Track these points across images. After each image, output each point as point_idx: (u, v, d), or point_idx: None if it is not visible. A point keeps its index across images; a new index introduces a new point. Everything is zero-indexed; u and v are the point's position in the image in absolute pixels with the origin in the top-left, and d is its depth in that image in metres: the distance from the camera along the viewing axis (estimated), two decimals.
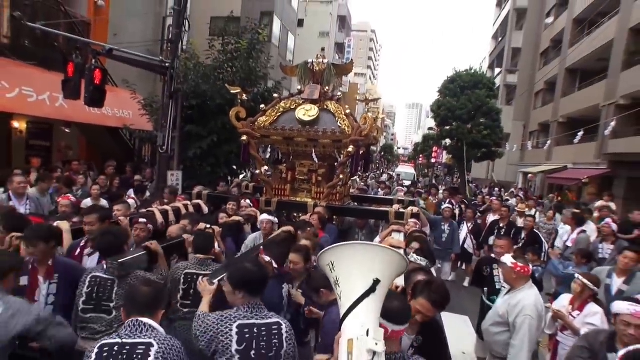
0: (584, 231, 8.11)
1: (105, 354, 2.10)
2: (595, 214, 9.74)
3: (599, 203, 10.09)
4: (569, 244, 8.10)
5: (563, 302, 4.27)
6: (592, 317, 3.95)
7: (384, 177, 30.17)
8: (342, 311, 1.62)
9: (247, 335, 2.41)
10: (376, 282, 1.61)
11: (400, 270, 1.73)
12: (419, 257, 3.56)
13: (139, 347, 2.14)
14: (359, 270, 1.64)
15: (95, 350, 2.13)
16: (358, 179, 15.69)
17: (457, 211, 10.25)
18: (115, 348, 2.12)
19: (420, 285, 2.78)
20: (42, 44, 10.22)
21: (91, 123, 10.84)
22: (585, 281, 4.09)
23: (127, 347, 2.13)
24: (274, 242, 4.24)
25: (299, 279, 3.64)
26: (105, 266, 3.14)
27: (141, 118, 10.71)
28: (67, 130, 11.58)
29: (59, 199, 5.63)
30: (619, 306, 3.05)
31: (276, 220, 4.90)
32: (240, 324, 2.43)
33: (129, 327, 2.22)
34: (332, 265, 1.69)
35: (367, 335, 1.52)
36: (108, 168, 9.36)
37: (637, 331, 2.90)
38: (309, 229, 4.63)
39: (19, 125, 10.89)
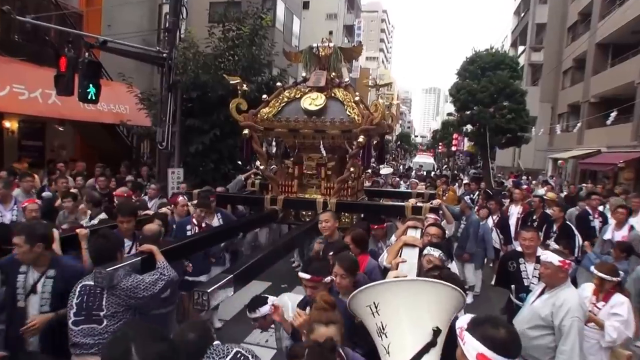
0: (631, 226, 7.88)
1: None
2: None
3: None
4: (618, 239, 7.85)
5: (586, 293, 4.29)
6: (619, 307, 4.02)
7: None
8: None
9: None
10: (437, 332, 1.38)
11: (458, 309, 1.49)
12: (432, 248, 3.49)
13: None
14: (412, 315, 1.40)
15: None
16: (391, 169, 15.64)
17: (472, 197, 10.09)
18: None
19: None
20: (33, 38, 10.27)
21: (86, 120, 10.88)
22: (601, 275, 4.14)
23: None
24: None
25: None
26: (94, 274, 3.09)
27: (139, 113, 10.75)
28: (60, 129, 11.66)
29: (24, 203, 5.16)
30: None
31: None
32: None
33: None
34: (376, 307, 1.42)
35: None
36: (105, 169, 9.39)
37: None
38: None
39: (10, 124, 10.98)
